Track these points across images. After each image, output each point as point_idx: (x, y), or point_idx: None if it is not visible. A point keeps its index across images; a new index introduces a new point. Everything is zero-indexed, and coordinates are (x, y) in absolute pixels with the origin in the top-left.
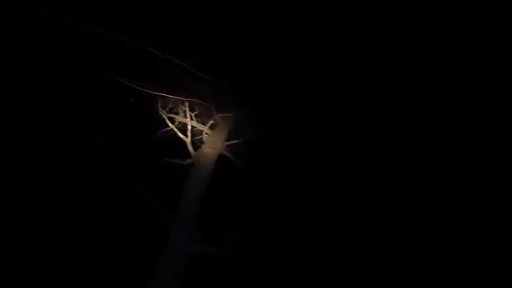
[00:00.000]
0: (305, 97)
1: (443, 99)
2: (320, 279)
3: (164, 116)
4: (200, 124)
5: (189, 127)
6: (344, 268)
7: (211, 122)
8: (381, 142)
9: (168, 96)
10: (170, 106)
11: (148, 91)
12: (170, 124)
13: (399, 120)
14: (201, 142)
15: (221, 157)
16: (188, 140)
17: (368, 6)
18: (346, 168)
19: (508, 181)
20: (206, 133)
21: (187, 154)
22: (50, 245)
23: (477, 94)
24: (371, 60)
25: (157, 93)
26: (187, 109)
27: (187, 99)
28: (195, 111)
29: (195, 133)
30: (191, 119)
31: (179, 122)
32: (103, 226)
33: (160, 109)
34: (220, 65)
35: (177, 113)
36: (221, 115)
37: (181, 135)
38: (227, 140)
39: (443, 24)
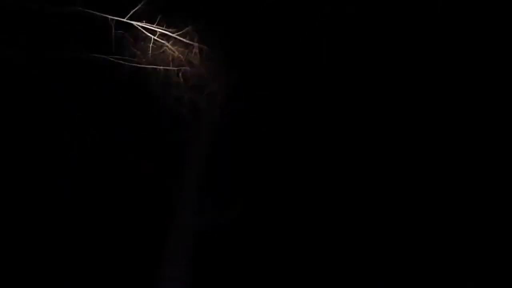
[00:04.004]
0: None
1: (442, 99)
2: (332, 244)
3: (159, 89)
4: (196, 93)
5: (185, 97)
6: (353, 233)
7: (208, 89)
8: (378, 141)
9: (160, 67)
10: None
11: (139, 65)
12: (165, 97)
13: (398, 119)
14: (199, 110)
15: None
16: (185, 110)
17: (368, 6)
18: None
19: (507, 180)
20: (203, 101)
21: (185, 124)
22: (49, 245)
23: (477, 94)
24: (371, 60)
25: (148, 66)
26: (181, 79)
27: (179, 68)
28: (190, 80)
29: (192, 102)
30: (186, 88)
31: (175, 93)
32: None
33: (153, 82)
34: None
35: (171, 85)
36: (217, 81)
37: (177, 106)
38: (225, 106)
39: (443, 24)
